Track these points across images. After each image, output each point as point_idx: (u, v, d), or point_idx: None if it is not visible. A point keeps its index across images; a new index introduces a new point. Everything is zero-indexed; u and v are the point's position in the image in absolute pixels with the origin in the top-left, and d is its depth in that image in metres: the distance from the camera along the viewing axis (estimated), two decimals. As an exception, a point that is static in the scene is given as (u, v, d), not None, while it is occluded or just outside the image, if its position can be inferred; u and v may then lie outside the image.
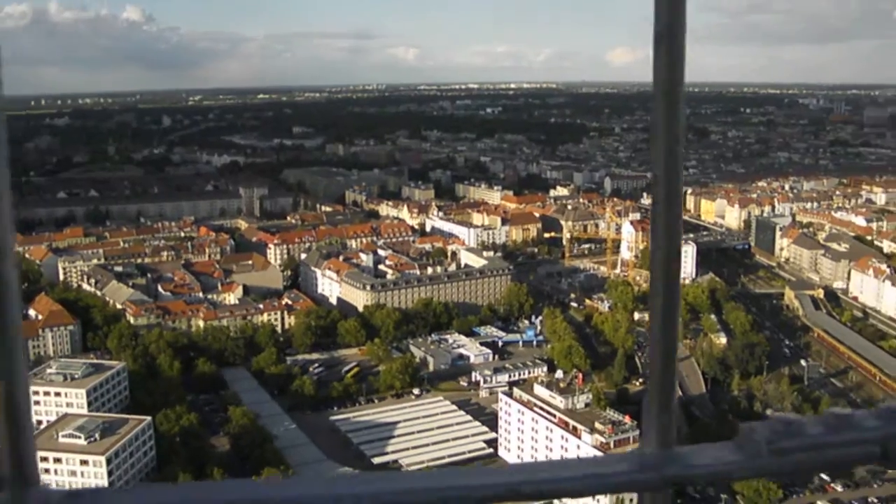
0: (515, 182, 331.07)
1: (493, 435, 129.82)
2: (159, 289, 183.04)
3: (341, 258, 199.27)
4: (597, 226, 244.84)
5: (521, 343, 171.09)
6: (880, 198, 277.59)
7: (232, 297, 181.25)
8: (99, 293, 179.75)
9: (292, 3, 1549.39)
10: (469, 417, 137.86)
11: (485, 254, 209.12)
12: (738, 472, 2.19)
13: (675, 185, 2.20)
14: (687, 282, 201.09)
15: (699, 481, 2.23)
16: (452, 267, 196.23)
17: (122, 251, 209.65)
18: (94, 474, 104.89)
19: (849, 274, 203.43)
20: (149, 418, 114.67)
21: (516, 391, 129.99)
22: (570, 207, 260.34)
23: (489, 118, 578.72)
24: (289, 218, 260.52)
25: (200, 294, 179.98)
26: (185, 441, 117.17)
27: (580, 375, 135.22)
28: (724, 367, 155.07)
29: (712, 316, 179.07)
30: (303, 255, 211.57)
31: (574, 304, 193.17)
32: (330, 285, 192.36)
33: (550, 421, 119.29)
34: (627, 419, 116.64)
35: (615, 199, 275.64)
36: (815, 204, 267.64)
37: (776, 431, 2.17)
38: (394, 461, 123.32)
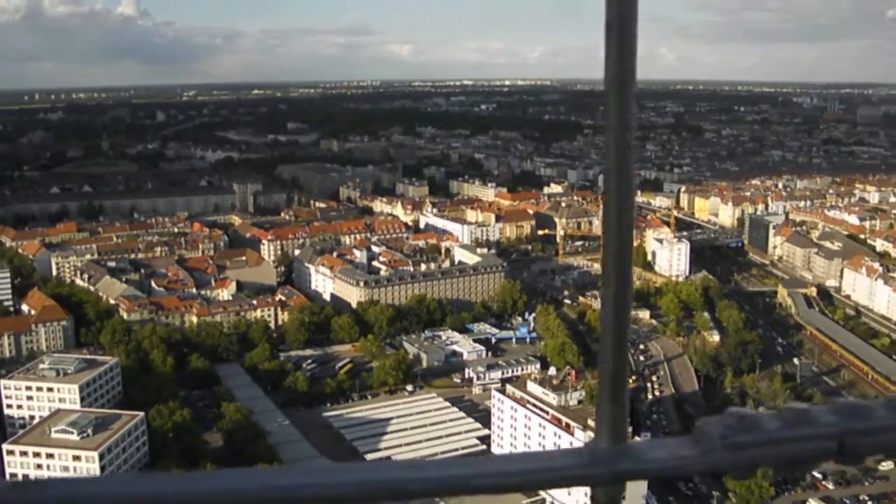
0: (509, 179, 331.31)
1: (486, 432, 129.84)
2: (153, 284, 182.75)
3: (335, 254, 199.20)
4: (590, 223, 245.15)
5: (514, 340, 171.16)
6: (873, 196, 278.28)
7: (225, 293, 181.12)
8: (92, 288, 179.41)
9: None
10: (462, 414, 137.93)
11: (478, 250, 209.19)
12: (691, 468, 2.17)
13: (626, 177, 2.17)
14: (680, 279, 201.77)
15: (652, 476, 2.21)
16: (446, 264, 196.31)
17: (115, 246, 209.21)
18: (87, 470, 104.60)
19: (841, 272, 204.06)
20: (142, 414, 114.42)
21: (509, 388, 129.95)
22: (563, 204, 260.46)
23: (483, 115, 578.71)
24: (283, 214, 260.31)
25: (194, 290, 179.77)
26: (178, 437, 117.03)
27: (573, 372, 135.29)
28: (717, 364, 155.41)
29: (705, 314, 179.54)
30: (296, 251, 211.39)
31: (567, 301, 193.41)
32: (323, 281, 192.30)
33: (543, 418, 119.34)
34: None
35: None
36: (809, 202, 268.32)
37: (731, 426, 2.16)
38: (387, 458, 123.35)
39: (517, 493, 2.14)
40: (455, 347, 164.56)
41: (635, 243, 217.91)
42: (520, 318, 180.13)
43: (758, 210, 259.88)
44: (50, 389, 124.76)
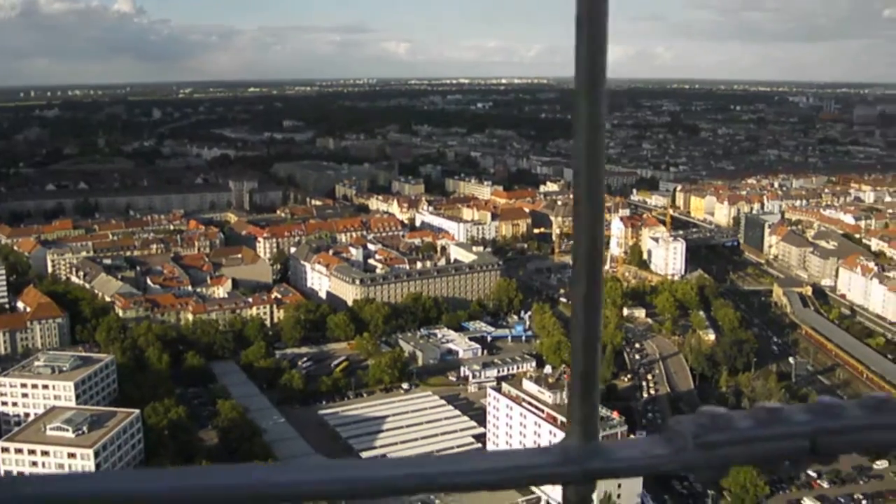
0: (505, 177, 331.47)
1: (481, 430, 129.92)
2: (148, 282, 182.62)
3: (331, 252, 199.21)
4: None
5: (509, 338, 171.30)
6: (869, 196, 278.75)
7: (221, 291, 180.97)
8: (88, 286, 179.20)
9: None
10: (457, 412, 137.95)
11: (474, 249, 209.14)
12: (663, 466, 2.16)
13: (596, 175, 2.17)
14: (676, 278, 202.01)
15: (623, 475, 2.20)
16: (442, 262, 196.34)
17: (111, 244, 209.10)
18: (82, 467, 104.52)
19: (837, 271, 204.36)
20: (137, 411, 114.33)
21: (505, 386, 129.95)
22: (559, 203, 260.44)
23: (480, 113, 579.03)
24: (278, 212, 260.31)
25: (189, 287, 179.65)
26: (173, 434, 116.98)
27: (568, 371, 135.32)
28: (713, 363, 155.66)
29: (701, 312, 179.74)
30: (292, 249, 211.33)
31: (563, 300, 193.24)
32: (319, 279, 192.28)
33: (539, 416, 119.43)
34: (616, 415, 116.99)
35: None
36: (804, 201, 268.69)
37: (703, 425, 2.15)
38: (382, 456, 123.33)
39: (488, 490, 2.10)
40: (451, 346, 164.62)
41: (631, 242, 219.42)
42: (515, 317, 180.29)
43: (753, 209, 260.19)
44: (45, 387, 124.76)
